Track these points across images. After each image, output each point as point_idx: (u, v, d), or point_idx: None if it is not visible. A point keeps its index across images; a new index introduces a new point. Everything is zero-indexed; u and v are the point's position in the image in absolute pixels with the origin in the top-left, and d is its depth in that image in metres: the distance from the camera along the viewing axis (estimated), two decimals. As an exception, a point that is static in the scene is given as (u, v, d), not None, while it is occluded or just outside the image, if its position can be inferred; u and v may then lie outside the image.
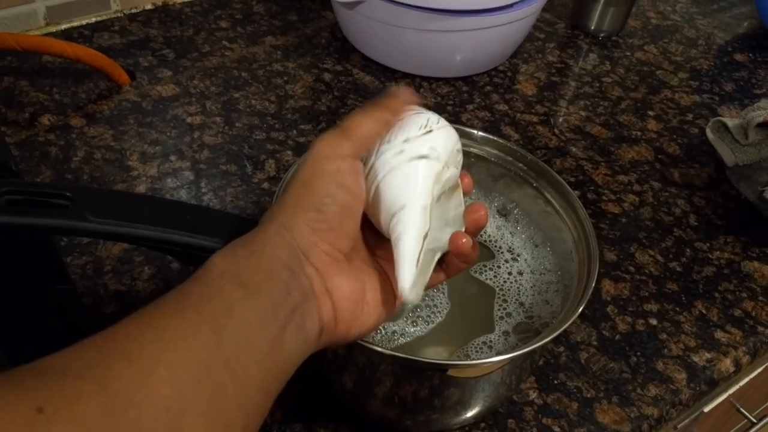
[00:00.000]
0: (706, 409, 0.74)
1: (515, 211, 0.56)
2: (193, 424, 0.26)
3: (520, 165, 0.53)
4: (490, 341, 0.49)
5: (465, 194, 0.42)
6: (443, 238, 0.39)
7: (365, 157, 0.39)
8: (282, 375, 0.32)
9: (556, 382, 0.54)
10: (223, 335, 0.29)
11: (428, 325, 0.50)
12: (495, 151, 0.54)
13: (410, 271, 0.36)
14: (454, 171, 0.40)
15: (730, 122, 0.71)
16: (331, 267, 0.35)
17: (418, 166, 0.38)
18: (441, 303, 0.51)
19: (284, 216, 0.35)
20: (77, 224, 0.38)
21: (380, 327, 0.49)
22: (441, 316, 0.50)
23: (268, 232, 0.34)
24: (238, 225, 0.44)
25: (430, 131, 0.39)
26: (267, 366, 0.30)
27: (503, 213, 0.56)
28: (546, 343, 0.42)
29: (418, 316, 0.50)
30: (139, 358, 0.26)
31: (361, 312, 0.36)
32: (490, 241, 0.55)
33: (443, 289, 0.52)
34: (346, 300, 0.35)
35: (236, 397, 0.28)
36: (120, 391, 0.25)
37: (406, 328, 0.50)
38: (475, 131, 0.54)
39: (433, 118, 0.40)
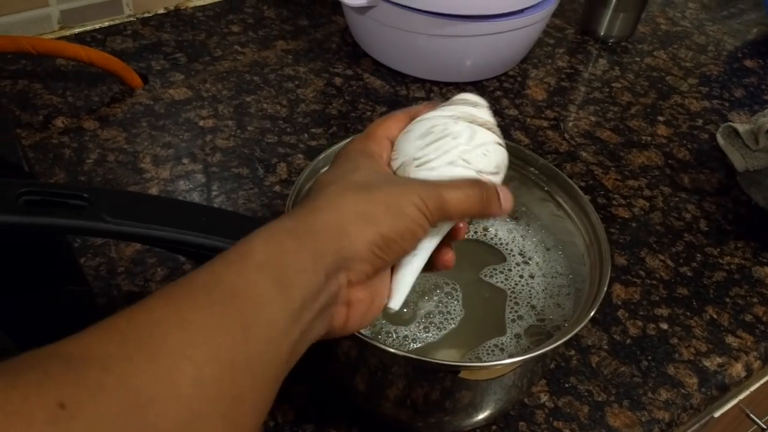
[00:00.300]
0: (717, 415, 0.74)
1: (526, 215, 0.56)
2: (212, 425, 0.26)
3: (532, 169, 0.54)
4: (502, 344, 0.49)
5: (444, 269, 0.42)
6: (431, 250, 0.40)
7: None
8: (287, 372, 0.32)
9: (567, 385, 0.54)
10: (250, 336, 0.28)
11: (440, 331, 0.50)
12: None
13: (404, 297, 0.39)
14: None
15: (741, 128, 0.71)
16: (361, 282, 0.35)
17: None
18: (455, 310, 0.51)
19: (352, 222, 0.34)
20: (94, 225, 0.39)
21: (392, 332, 0.49)
22: (454, 323, 0.50)
23: (327, 230, 0.33)
24: (252, 227, 0.44)
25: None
26: (282, 366, 0.30)
27: (514, 216, 0.56)
28: (557, 346, 0.42)
29: (431, 322, 0.50)
30: (162, 353, 0.25)
31: (367, 317, 0.37)
32: (502, 244, 0.55)
33: (458, 296, 0.52)
34: (360, 312, 0.36)
35: (252, 398, 0.28)
36: (142, 388, 0.24)
37: (418, 334, 0.50)
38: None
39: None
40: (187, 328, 0.26)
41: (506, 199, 0.39)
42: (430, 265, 0.40)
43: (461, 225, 0.40)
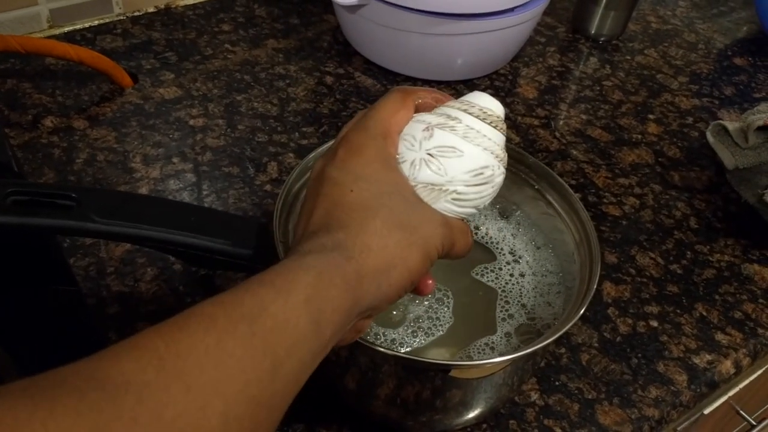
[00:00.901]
0: (706, 411, 0.74)
1: (517, 213, 0.56)
2: None
3: (522, 167, 0.54)
4: (492, 342, 0.49)
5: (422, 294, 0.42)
6: None
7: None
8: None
9: (557, 383, 0.54)
10: (279, 374, 0.28)
11: (428, 337, 0.49)
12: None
13: None
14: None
15: (731, 126, 0.71)
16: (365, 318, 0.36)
17: None
18: (444, 316, 0.51)
19: (396, 268, 0.34)
20: (82, 225, 0.39)
21: (380, 334, 0.49)
22: (442, 330, 0.50)
23: (375, 274, 0.33)
24: (242, 226, 0.44)
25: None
26: (293, 396, 0.30)
27: (505, 215, 0.56)
28: (548, 345, 0.42)
29: (419, 327, 0.50)
30: (198, 385, 0.25)
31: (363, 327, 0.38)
32: (492, 242, 0.55)
33: (448, 303, 0.51)
34: (357, 332, 0.37)
35: (266, 429, 0.28)
36: (173, 421, 0.24)
37: (406, 338, 0.49)
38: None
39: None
40: (225, 362, 0.26)
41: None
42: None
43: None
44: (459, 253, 0.39)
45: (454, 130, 0.38)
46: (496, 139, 0.40)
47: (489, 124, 0.39)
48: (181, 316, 0.27)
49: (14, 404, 0.22)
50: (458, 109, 0.40)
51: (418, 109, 0.41)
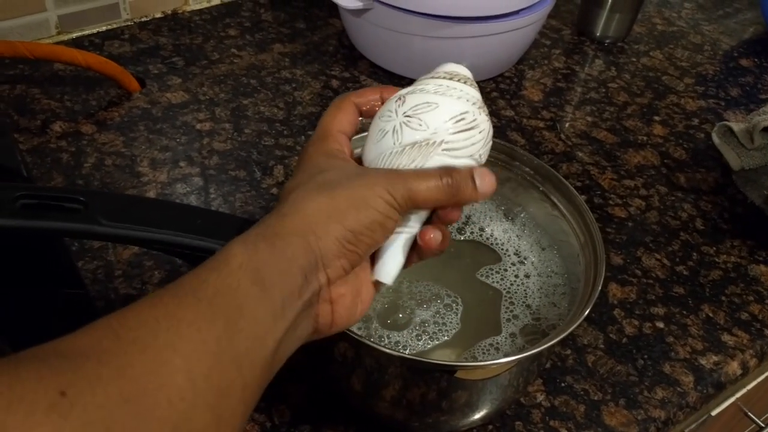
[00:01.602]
0: (714, 413, 0.74)
1: (522, 215, 0.56)
2: (201, 416, 0.27)
3: (527, 169, 0.54)
4: (497, 343, 0.49)
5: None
6: (418, 227, 0.39)
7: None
8: (275, 369, 0.33)
9: (563, 384, 0.54)
10: (235, 332, 0.29)
11: (433, 341, 0.49)
12: (501, 155, 0.55)
13: (395, 270, 0.39)
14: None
15: (736, 127, 0.71)
16: (340, 277, 0.35)
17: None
18: (451, 322, 0.50)
19: (318, 222, 0.34)
20: (90, 228, 0.39)
21: (384, 336, 0.49)
22: (448, 336, 0.50)
23: (294, 234, 0.34)
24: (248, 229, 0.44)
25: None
26: (269, 363, 0.31)
27: (510, 216, 0.57)
28: (553, 345, 0.42)
29: (424, 331, 0.50)
30: (154, 347, 0.26)
31: (355, 312, 0.37)
32: (497, 244, 0.55)
33: (457, 309, 0.51)
34: (345, 307, 0.36)
35: (240, 392, 0.29)
36: (136, 378, 0.25)
37: (410, 341, 0.49)
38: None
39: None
40: (176, 325, 0.28)
41: (485, 183, 0.38)
42: (419, 252, 0.40)
43: (453, 211, 0.39)
44: (426, 199, 0.37)
45: (424, 90, 0.39)
46: (468, 91, 0.40)
47: (458, 81, 0.40)
48: (131, 304, 0.29)
49: None
50: (425, 78, 0.40)
51: (366, 112, 0.42)
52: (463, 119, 0.38)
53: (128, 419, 0.24)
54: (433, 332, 0.50)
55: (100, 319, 0.27)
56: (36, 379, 0.23)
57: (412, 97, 0.39)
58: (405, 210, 0.36)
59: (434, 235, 0.38)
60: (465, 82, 0.40)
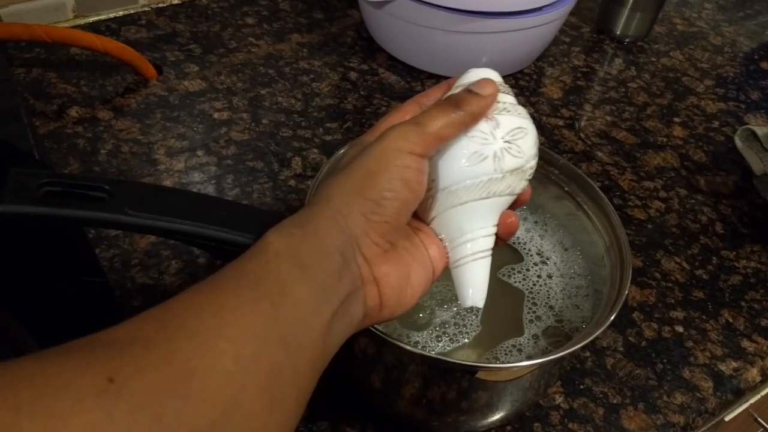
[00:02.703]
0: (727, 418, 0.74)
1: (545, 215, 0.55)
2: (252, 399, 0.27)
3: (552, 168, 0.53)
4: (520, 344, 0.49)
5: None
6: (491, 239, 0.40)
7: None
8: (327, 356, 0.32)
9: (582, 387, 0.54)
10: (280, 314, 0.29)
11: (453, 343, 0.49)
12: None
13: (483, 295, 0.39)
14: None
15: (760, 131, 0.70)
16: (379, 256, 0.35)
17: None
18: (471, 324, 0.50)
19: (341, 201, 0.34)
20: (115, 217, 0.39)
21: (404, 335, 0.49)
22: (468, 338, 0.49)
23: (323, 216, 0.34)
24: (273, 222, 0.44)
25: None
26: (318, 347, 0.31)
27: (532, 216, 0.56)
28: (577, 349, 0.42)
29: (444, 332, 0.49)
30: (199, 332, 0.26)
31: (405, 295, 0.37)
32: (519, 243, 0.55)
33: (477, 311, 0.51)
34: (392, 287, 0.36)
35: (290, 375, 0.29)
36: (184, 363, 0.25)
37: (429, 342, 0.49)
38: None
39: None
40: (220, 311, 0.28)
41: (482, 87, 0.38)
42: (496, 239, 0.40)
43: (523, 196, 0.41)
44: (446, 132, 0.36)
45: (508, 111, 0.38)
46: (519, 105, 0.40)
47: (508, 94, 0.40)
48: (174, 297, 0.29)
49: (27, 364, 0.23)
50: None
51: None
52: (537, 141, 0.40)
53: (177, 403, 0.24)
54: (453, 334, 0.49)
55: (144, 312, 0.27)
56: (84, 366, 0.23)
57: (504, 119, 0.38)
58: (423, 150, 0.35)
59: (513, 219, 0.40)
60: (509, 94, 0.40)
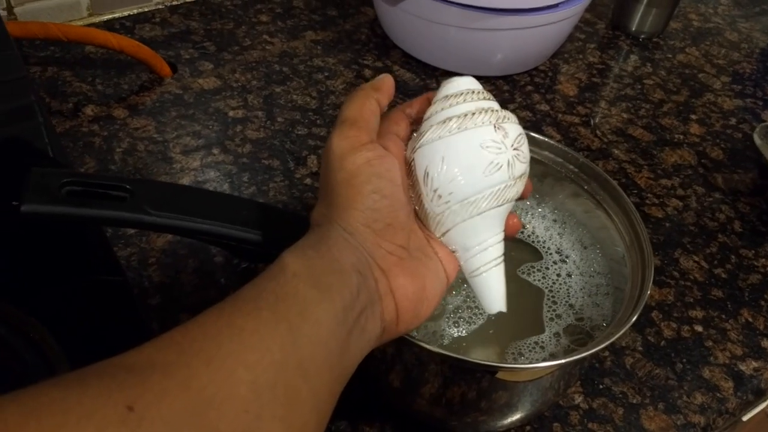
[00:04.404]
0: (745, 418, 0.73)
1: (563, 213, 0.55)
2: (268, 427, 0.26)
3: (571, 167, 0.53)
4: (542, 342, 0.48)
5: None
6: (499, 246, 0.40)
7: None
8: (346, 375, 0.32)
9: (601, 386, 0.53)
10: (298, 336, 0.29)
11: (470, 326, 0.49)
12: (544, 152, 0.54)
13: (505, 299, 0.40)
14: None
15: (778, 128, 0.70)
16: (396, 266, 0.35)
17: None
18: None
19: (342, 220, 0.35)
20: (137, 217, 0.39)
21: (420, 326, 0.49)
22: (482, 318, 0.50)
23: (332, 236, 0.34)
24: (294, 222, 0.44)
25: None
26: (336, 367, 0.30)
27: (551, 214, 0.56)
28: (599, 350, 0.41)
29: (460, 317, 0.49)
30: (218, 358, 0.26)
31: (421, 307, 0.36)
32: (538, 241, 0.54)
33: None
34: (409, 300, 0.35)
35: (309, 399, 0.28)
36: (201, 390, 0.25)
37: (447, 329, 0.49)
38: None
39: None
40: (239, 335, 0.27)
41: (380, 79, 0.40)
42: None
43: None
44: (367, 115, 0.38)
45: (508, 118, 0.39)
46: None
47: (493, 100, 0.41)
48: (194, 317, 0.29)
49: (49, 390, 0.23)
50: (483, 99, 0.40)
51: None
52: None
53: (195, 431, 0.24)
54: (469, 317, 0.49)
55: (164, 334, 0.27)
56: (105, 394, 0.23)
57: (509, 127, 0.39)
58: (369, 138, 0.36)
59: (518, 219, 0.42)
60: (493, 100, 0.41)
